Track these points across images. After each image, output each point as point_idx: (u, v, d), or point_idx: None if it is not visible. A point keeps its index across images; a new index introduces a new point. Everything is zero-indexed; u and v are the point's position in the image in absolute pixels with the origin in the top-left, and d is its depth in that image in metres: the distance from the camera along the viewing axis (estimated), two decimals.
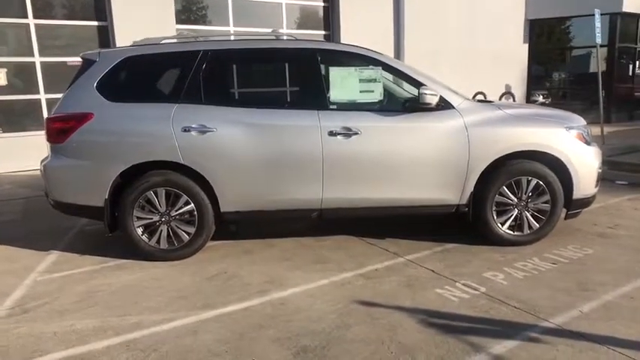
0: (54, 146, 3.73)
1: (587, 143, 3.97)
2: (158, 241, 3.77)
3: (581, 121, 4.10)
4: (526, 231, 3.93)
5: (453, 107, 3.78)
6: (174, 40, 3.99)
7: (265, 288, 3.28)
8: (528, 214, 3.91)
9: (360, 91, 3.82)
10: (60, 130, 3.67)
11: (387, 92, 3.93)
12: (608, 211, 4.92)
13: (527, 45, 13.05)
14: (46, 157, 3.82)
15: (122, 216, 3.70)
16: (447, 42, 11.39)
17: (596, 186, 4.04)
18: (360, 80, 3.83)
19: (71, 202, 3.75)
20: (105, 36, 8.10)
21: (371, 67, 3.84)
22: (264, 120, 3.70)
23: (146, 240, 3.77)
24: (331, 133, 3.67)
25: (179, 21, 8.70)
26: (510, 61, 12.60)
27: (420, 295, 3.12)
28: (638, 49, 13.14)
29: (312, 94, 3.77)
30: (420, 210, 3.87)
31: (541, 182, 3.84)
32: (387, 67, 3.85)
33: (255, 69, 3.98)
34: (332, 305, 3.01)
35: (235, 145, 3.66)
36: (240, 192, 3.73)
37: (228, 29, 9.27)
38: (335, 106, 3.79)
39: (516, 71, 12.91)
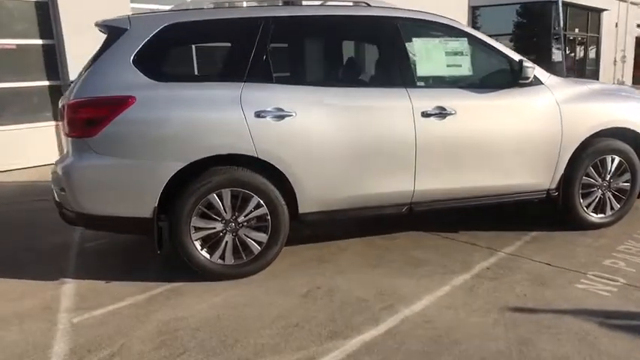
0: (79, 141, 2.79)
1: None
2: (222, 256, 3.01)
3: None
4: (608, 212, 3.74)
5: (542, 83, 3.45)
6: (224, 5, 3.18)
7: (386, 303, 2.71)
8: (610, 195, 3.73)
9: (448, 65, 3.35)
10: (89, 119, 2.75)
11: (473, 66, 3.49)
12: None
13: None
14: (65, 156, 2.86)
15: (175, 227, 2.88)
16: None
17: None
18: (447, 53, 3.35)
19: (106, 213, 2.84)
20: (44, 13, 6.69)
21: (456, 38, 3.38)
22: (350, 101, 3.07)
23: (207, 256, 2.99)
24: (424, 114, 3.15)
25: None
26: None
27: (565, 293, 2.75)
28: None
29: (398, 69, 3.18)
30: (513, 197, 3.50)
31: (624, 160, 3.67)
32: (473, 39, 3.40)
33: (330, 40, 3.30)
34: (486, 317, 2.53)
35: (318, 132, 2.99)
36: (324, 188, 3.08)
37: None
38: (423, 83, 3.27)
39: None
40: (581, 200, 3.65)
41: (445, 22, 3.39)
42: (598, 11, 17.71)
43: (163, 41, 2.90)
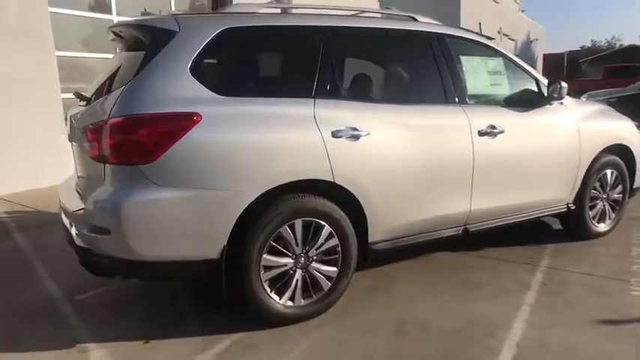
0: (129, 169, 2.22)
1: None
2: (292, 297, 2.61)
3: None
4: (607, 222, 4.06)
5: (562, 102, 3.65)
6: (275, 10, 2.81)
7: (484, 330, 2.55)
8: (607, 206, 4.06)
9: (490, 84, 3.37)
10: (147, 142, 2.20)
11: (509, 85, 3.55)
12: None
13: None
14: (102, 187, 2.25)
15: (243, 268, 2.43)
16: None
17: None
18: (488, 72, 3.37)
19: (164, 258, 2.29)
20: None
21: (493, 57, 3.42)
22: (418, 119, 2.91)
23: (277, 298, 2.57)
24: (480, 133, 3.12)
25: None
26: None
27: (629, 301, 2.87)
28: None
29: (453, 87, 3.11)
30: (544, 212, 3.62)
31: (618, 173, 4.03)
32: (507, 58, 3.48)
33: (391, 55, 3.07)
34: (587, 333, 2.50)
35: (390, 153, 2.78)
36: (392, 214, 2.85)
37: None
38: (473, 101, 3.24)
39: None
40: (590, 212, 3.91)
41: (484, 41, 3.42)
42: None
43: (222, 48, 2.47)
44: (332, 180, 2.59)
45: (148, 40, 2.41)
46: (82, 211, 2.34)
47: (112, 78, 2.64)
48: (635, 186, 4.22)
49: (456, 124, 3.05)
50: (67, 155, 6.93)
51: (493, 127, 3.17)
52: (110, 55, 7.54)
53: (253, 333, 2.56)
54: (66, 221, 2.65)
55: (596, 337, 2.48)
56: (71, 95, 6.98)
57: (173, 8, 8.14)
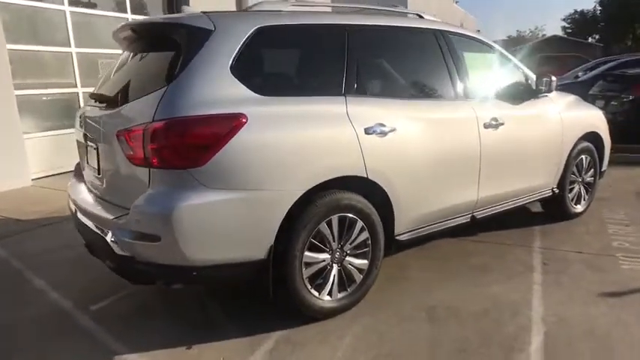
0: (178, 173, 2.16)
1: None
2: (330, 292, 2.67)
3: None
4: (582, 203, 4.43)
5: (547, 95, 3.91)
6: (300, 8, 2.79)
7: (512, 311, 2.74)
8: (582, 188, 4.42)
9: (488, 79, 3.56)
10: (198, 145, 2.15)
11: (504, 80, 3.75)
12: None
13: None
14: (153, 194, 2.17)
15: (287, 266, 2.45)
16: None
17: None
18: (486, 67, 3.56)
19: (215, 262, 2.26)
20: None
21: (489, 53, 3.61)
22: (435, 113, 3.04)
23: (316, 294, 2.61)
24: (485, 125, 3.30)
25: None
26: None
27: (622, 273, 3.17)
28: None
29: (462, 82, 3.26)
30: (534, 197, 3.90)
31: (591, 158, 4.40)
32: (501, 55, 3.69)
33: (404, 52, 3.15)
34: (600, 306, 2.75)
35: (415, 147, 2.88)
36: (415, 205, 2.97)
37: None
38: (475, 95, 3.40)
39: None
40: (569, 195, 4.25)
41: (481, 38, 3.60)
42: None
43: (258, 47, 2.44)
44: (365, 176, 2.65)
45: (182, 40, 2.34)
46: (122, 218, 2.25)
47: (134, 78, 2.53)
48: (602, 169, 4.63)
49: (466, 118, 3.21)
50: (25, 155, 6.48)
51: (495, 119, 3.37)
52: (69, 49, 7.12)
53: (294, 330, 2.59)
54: (90, 227, 2.52)
55: (607, 309, 2.74)
56: (27, 92, 6.60)
57: None
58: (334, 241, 2.63)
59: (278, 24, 2.54)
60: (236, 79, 2.31)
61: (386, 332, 2.57)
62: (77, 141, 3.02)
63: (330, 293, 2.67)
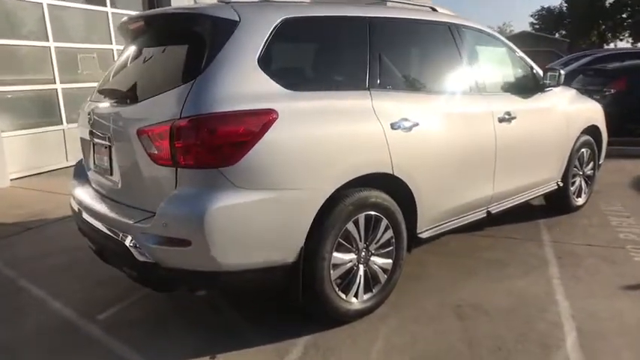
0: (209, 172, 2.02)
1: None
2: (356, 294, 2.58)
3: None
4: (582, 196, 4.47)
5: (552, 89, 3.91)
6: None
7: (538, 306, 2.70)
8: (583, 181, 4.46)
9: (500, 73, 3.53)
10: (229, 143, 2.01)
11: (514, 74, 3.72)
12: None
13: None
14: (182, 195, 2.02)
15: (315, 268, 2.34)
16: None
17: None
18: (497, 61, 3.53)
19: (246, 266, 2.13)
20: None
21: (499, 48, 3.58)
22: (454, 108, 2.99)
23: (343, 296, 2.52)
24: (500, 119, 3.27)
25: None
26: None
27: (635, 266, 3.21)
28: None
29: (476, 77, 3.21)
30: (543, 190, 3.90)
31: (591, 152, 4.44)
32: (510, 49, 3.66)
33: (419, 45, 3.05)
34: (624, 299, 2.76)
35: (437, 142, 2.81)
36: (436, 202, 2.90)
37: None
38: (489, 89, 3.36)
39: None
40: (571, 188, 4.29)
41: (490, 31, 3.56)
42: None
43: (284, 39, 2.31)
44: (392, 172, 2.57)
45: (205, 31, 2.19)
46: (145, 222, 2.09)
47: (151, 72, 2.37)
48: (600, 162, 4.69)
49: (483, 112, 3.17)
50: (3, 155, 6.13)
51: (508, 113, 3.34)
52: (47, 44, 6.77)
53: (321, 334, 2.49)
54: (102, 232, 2.36)
55: (631, 303, 2.74)
56: (3, 88, 6.23)
57: None
58: (361, 241, 2.54)
59: (303, 15, 2.42)
60: (264, 73, 2.19)
61: (418, 333, 2.50)
62: (82, 139, 2.83)
63: (356, 295, 2.57)
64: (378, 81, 2.62)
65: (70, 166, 7.46)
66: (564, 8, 40.82)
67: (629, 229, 3.92)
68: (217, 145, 2.01)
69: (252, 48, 2.19)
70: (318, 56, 2.50)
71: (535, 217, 4.26)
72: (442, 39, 3.09)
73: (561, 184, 4.10)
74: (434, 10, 3.25)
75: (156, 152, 2.07)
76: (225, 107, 2.04)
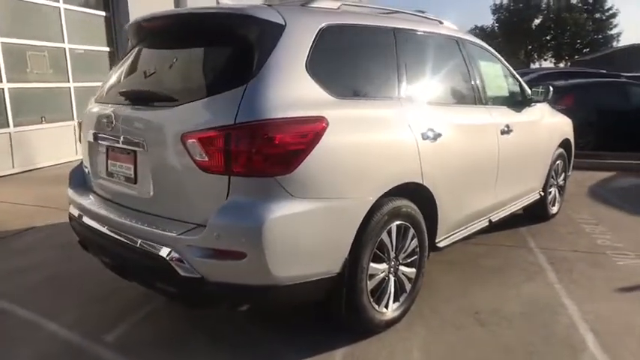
0: (265, 181, 1.93)
1: None
2: (387, 304, 2.56)
3: None
4: (556, 205, 4.76)
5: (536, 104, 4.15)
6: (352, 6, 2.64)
7: (551, 311, 2.83)
8: (556, 191, 4.75)
9: (497, 87, 3.68)
10: (288, 150, 1.93)
11: (507, 88, 3.90)
12: None
13: None
14: (236, 205, 1.90)
15: (356, 280, 2.31)
16: None
17: None
18: (494, 75, 3.68)
19: (297, 279, 2.05)
20: None
21: (495, 63, 3.75)
22: (468, 119, 3.10)
23: (376, 307, 2.49)
24: (502, 132, 3.41)
25: None
26: None
27: (623, 269, 3.43)
28: None
29: (481, 89, 3.34)
30: (529, 200, 4.10)
31: (564, 164, 4.75)
32: (502, 63, 3.84)
33: (434, 57, 3.08)
34: (632, 303, 2.95)
35: (455, 152, 2.88)
36: (454, 212, 2.97)
37: None
38: (490, 103, 3.50)
39: None
40: (548, 197, 4.55)
41: (489, 47, 3.72)
42: None
43: (327, 45, 2.27)
44: (421, 182, 2.60)
45: (252, 34, 2.10)
46: (192, 234, 1.95)
47: (186, 75, 2.24)
48: (569, 173, 5.03)
49: (490, 124, 3.30)
50: None
51: (507, 126, 3.49)
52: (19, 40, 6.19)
53: (354, 346, 2.45)
54: (128, 246, 2.17)
55: (630, 304, 2.94)
56: None
57: None
58: (392, 251, 2.54)
59: (341, 23, 2.40)
60: (312, 80, 2.14)
61: (450, 343, 2.52)
62: (89, 142, 2.59)
63: (386, 305, 2.56)
64: (407, 91, 2.65)
65: (17, 173, 6.91)
66: (496, 28, 43.59)
67: (602, 236, 4.21)
68: (275, 152, 1.93)
69: (300, 53, 2.14)
70: (354, 64, 2.48)
71: (516, 225, 4.46)
72: (452, 53, 3.19)
73: (542, 194, 4.34)
74: (440, 23, 3.34)
75: (205, 159, 1.95)
76: (280, 114, 1.97)
